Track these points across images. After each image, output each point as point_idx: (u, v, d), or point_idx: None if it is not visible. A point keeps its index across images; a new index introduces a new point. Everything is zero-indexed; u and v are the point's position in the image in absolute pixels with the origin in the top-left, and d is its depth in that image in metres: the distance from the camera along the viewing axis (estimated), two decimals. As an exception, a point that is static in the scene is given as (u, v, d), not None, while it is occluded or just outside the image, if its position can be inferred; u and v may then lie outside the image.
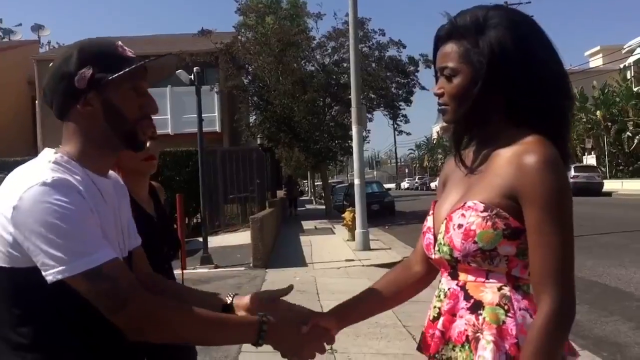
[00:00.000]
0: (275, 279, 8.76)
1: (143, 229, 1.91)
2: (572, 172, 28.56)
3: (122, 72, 1.34)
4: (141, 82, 1.41)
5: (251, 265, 9.81)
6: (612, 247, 10.57)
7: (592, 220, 15.18)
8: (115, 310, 1.26)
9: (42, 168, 1.31)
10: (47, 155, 1.36)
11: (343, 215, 14.33)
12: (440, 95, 1.44)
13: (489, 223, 1.31)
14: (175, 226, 1.91)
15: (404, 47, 22.55)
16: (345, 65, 20.55)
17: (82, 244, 1.25)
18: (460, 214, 1.35)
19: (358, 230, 12.06)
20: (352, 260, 10.45)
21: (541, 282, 1.26)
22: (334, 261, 10.39)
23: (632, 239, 11.49)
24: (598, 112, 34.66)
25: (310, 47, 22.10)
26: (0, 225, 1.27)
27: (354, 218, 12.72)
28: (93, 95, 1.34)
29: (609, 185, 29.75)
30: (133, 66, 1.36)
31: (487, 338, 1.30)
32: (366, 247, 11.78)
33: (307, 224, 19.21)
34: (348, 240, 13.37)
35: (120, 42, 1.40)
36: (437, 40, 1.45)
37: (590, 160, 35.92)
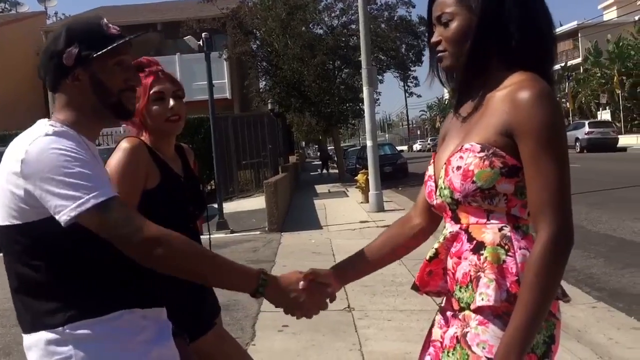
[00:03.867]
0: (290, 242, 8.85)
1: (169, 186, 1.94)
2: (587, 128, 28.28)
3: (105, 49, 1.45)
4: (125, 57, 1.51)
5: (267, 229, 9.90)
6: (627, 201, 10.51)
7: (607, 176, 15.09)
8: (129, 238, 1.33)
9: (42, 127, 1.40)
10: (42, 121, 1.46)
11: (356, 177, 14.36)
12: (437, 44, 1.46)
13: (486, 162, 1.34)
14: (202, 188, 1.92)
15: (414, 6, 22.18)
16: (354, 27, 20.30)
17: (90, 181, 1.33)
18: (458, 156, 1.38)
19: (372, 192, 12.10)
20: (367, 221, 10.51)
21: (539, 211, 1.29)
22: (349, 223, 10.46)
23: (647, 192, 11.42)
24: (614, 67, 34.03)
25: (318, 9, 21.79)
26: (10, 183, 1.34)
27: (367, 180, 12.75)
28: (80, 70, 1.45)
29: (624, 140, 29.40)
30: (115, 44, 1.46)
31: (489, 277, 1.33)
32: (380, 208, 11.83)
33: (320, 188, 19.27)
34: (362, 202, 13.42)
35: (105, 20, 1.51)
36: None
37: (604, 115, 35.51)
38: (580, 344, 3.96)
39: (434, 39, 1.47)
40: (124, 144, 1.89)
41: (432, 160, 1.54)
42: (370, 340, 4.30)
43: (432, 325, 1.56)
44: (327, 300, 1.63)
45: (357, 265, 1.68)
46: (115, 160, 1.86)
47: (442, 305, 1.54)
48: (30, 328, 1.39)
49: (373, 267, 1.70)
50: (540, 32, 1.41)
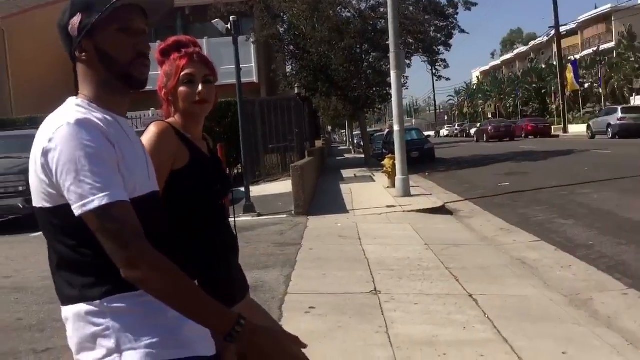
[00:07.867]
0: (317, 225, 8.88)
1: (198, 165, 1.98)
2: (619, 114, 27.66)
3: (100, 14, 1.39)
4: (131, 22, 1.44)
5: (293, 212, 9.94)
6: (660, 189, 10.29)
7: (640, 162, 14.77)
8: (116, 252, 1.32)
9: (67, 111, 1.40)
10: (70, 101, 1.45)
11: (383, 162, 14.31)
12: None
13: None
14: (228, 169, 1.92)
15: (443, -12, 21.84)
16: (382, 10, 20.10)
17: (97, 181, 1.32)
18: None
19: (398, 177, 12.03)
20: (393, 206, 10.48)
21: None
22: (375, 207, 10.43)
23: (682, 179, 11.15)
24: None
25: (346, -8, 21.60)
26: (39, 167, 1.37)
27: (394, 165, 12.68)
28: (85, 41, 1.42)
29: (658, 126, 28.68)
30: (109, 4, 1.38)
31: None
32: (406, 193, 11.76)
33: (346, 173, 19.25)
34: (388, 187, 13.37)
35: None
36: None
37: (638, 101, 34.62)
38: (610, 330, 3.91)
39: None
40: (152, 128, 1.94)
41: None
42: (396, 323, 4.30)
43: None
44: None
45: None
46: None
47: None
48: (69, 300, 1.43)
49: None
50: None
